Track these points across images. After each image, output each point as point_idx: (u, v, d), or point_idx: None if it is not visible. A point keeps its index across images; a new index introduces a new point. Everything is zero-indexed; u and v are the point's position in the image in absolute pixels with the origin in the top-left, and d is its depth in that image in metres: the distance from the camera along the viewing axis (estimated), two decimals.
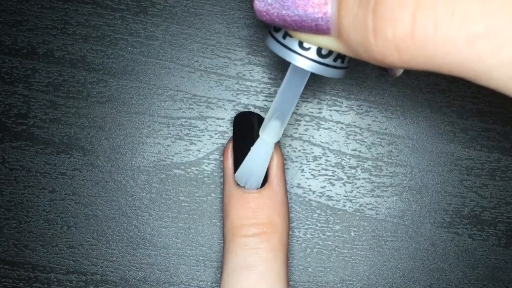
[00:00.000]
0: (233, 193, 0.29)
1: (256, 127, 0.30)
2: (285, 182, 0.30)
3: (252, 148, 0.28)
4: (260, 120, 0.30)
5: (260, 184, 0.29)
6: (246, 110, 0.33)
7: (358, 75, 0.34)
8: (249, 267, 0.28)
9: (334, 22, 0.19)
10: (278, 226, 0.29)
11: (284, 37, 0.23)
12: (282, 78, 0.33)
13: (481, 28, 0.17)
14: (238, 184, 0.29)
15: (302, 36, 0.21)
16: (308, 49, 0.23)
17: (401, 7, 0.17)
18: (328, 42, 0.20)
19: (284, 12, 0.20)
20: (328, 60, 0.23)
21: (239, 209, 0.29)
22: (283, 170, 0.30)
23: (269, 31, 0.23)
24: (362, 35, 0.18)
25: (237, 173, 0.29)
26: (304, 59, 0.23)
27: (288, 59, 0.23)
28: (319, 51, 0.22)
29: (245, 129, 0.30)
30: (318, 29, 0.20)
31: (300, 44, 0.22)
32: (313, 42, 0.21)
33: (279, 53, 0.23)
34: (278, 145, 0.30)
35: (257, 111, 0.33)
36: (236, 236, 0.29)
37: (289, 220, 0.30)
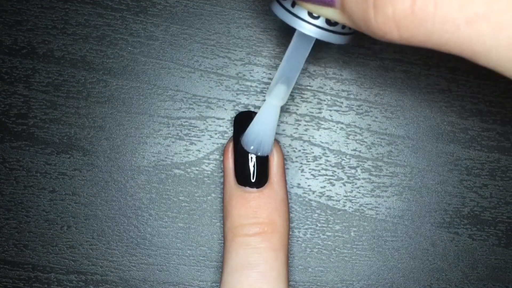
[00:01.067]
0: (233, 192, 0.29)
1: None
2: (285, 181, 0.30)
3: (258, 112, 0.27)
4: None
5: (271, 149, 0.28)
6: (246, 110, 0.33)
7: (358, 75, 0.34)
8: (250, 266, 0.28)
9: None
10: (278, 225, 0.29)
11: (292, 5, 0.23)
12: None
13: (481, 10, 0.17)
14: (238, 184, 0.29)
15: (309, 6, 0.21)
16: (317, 17, 0.23)
17: None
18: (333, 14, 0.21)
19: None
20: (337, 28, 0.23)
21: (239, 208, 0.29)
22: (284, 169, 0.30)
23: (277, 0, 0.24)
24: (363, 10, 0.19)
25: (244, 137, 0.28)
26: (312, 27, 0.23)
27: (296, 26, 0.23)
28: (328, 19, 0.23)
29: (246, 129, 0.30)
30: (324, 1, 0.20)
31: (310, 13, 0.23)
32: (319, 13, 0.21)
33: (287, 20, 0.23)
34: (279, 144, 0.30)
35: (257, 111, 0.33)
36: (237, 235, 0.29)
37: (289, 219, 0.30)
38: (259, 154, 0.28)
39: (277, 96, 0.27)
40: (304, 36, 0.24)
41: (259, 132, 0.28)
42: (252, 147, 0.28)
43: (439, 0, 0.17)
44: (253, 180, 0.29)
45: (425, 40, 0.18)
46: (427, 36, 0.18)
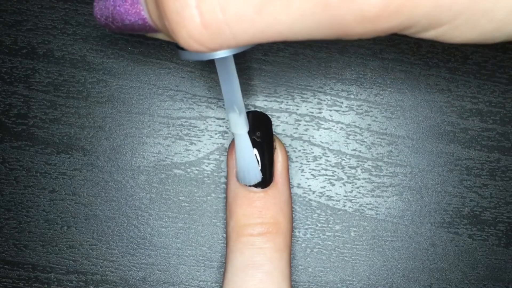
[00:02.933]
0: (238, 192, 0.29)
1: (260, 126, 0.30)
2: (289, 182, 0.30)
3: (235, 148, 0.28)
4: (264, 119, 0.30)
5: (260, 175, 0.29)
6: (247, 110, 0.33)
7: (358, 75, 0.34)
8: (255, 266, 0.28)
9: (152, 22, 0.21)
10: (283, 226, 0.29)
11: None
12: (281, 78, 0.33)
13: None
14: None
15: (159, 35, 0.22)
16: None
17: (184, 6, 0.18)
18: (167, 37, 0.21)
19: (116, 24, 0.22)
20: None
21: (244, 208, 0.29)
22: (288, 170, 0.30)
23: (176, 47, 0.24)
24: (170, 34, 0.19)
25: (238, 175, 0.29)
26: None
27: (209, 57, 0.23)
28: None
29: (251, 128, 0.30)
30: (152, 29, 0.21)
31: None
32: (160, 37, 0.22)
33: (197, 58, 0.23)
34: (283, 145, 0.30)
35: (257, 110, 0.33)
36: (241, 235, 0.29)
37: (292, 220, 0.30)
38: (252, 184, 0.29)
39: (235, 126, 0.27)
40: (221, 60, 0.25)
41: (245, 164, 0.29)
42: (247, 182, 0.29)
43: (224, 5, 0.18)
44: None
45: (236, 43, 0.19)
46: (234, 39, 0.19)
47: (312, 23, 0.18)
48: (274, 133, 0.33)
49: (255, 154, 0.29)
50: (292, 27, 0.18)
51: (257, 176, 0.29)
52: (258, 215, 0.29)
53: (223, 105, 0.33)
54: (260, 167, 0.29)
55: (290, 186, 0.30)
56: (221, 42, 0.19)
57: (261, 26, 0.18)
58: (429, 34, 0.20)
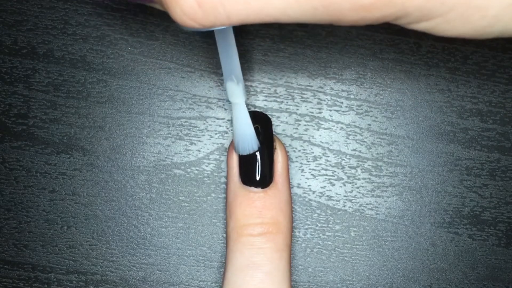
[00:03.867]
0: (238, 192, 0.29)
1: (260, 126, 0.30)
2: (289, 182, 0.30)
3: (232, 117, 0.29)
4: (264, 119, 0.30)
5: (257, 144, 0.29)
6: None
7: (358, 75, 0.34)
8: (255, 266, 0.28)
9: None
10: (283, 226, 0.29)
11: None
12: (281, 78, 0.33)
13: None
14: (242, 184, 0.29)
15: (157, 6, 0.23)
16: None
17: None
18: (163, 8, 0.22)
19: None
20: None
21: (244, 208, 0.29)
22: (288, 170, 0.30)
23: None
24: (166, 9, 0.20)
25: (235, 145, 0.29)
26: None
27: (196, 30, 0.24)
28: None
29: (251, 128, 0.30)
30: (147, 1, 0.22)
31: None
32: (158, 8, 0.23)
33: (188, 29, 0.24)
34: (283, 145, 0.30)
35: (257, 110, 0.33)
36: (241, 235, 0.29)
37: (292, 220, 0.30)
38: (247, 153, 0.29)
39: (232, 95, 0.27)
40: (220, 30, 0.25)
41: (241, 133, 0.29)
42: (240, 150, 0.29)
43: None
44: (258, 180, 0.29)
45: (229, 22, 0.19)
46: (227, 19, 0.19)
47: (307, 7, 0.19)
48: (274, 133, 0.33)
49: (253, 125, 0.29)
50: (286, 10, 0.19)
51: (254, 145, 0.29)
52: (258, 215, 0.29)
53: (223, 105, 0.33)
54: (258, 143, 0.29)
55: (290, 186, 0.30)
56: (214, 20, 0.19)
57: (255, 7, 0.19)
58: (421, 26, 0.20)
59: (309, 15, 0.19)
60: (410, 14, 0.19)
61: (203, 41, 0.33)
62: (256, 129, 0.29)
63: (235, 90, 0.27)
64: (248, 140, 0.29)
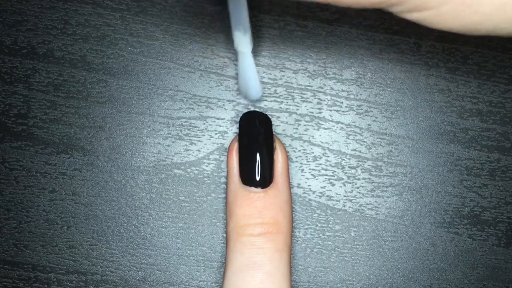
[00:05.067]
0: (238, 192, 0.29)
1: (260, 126, 0.30)
2: (289, 182, 0.30)
3: (238, 65, 0.29)
4: (264, 119, 0.30)
5: (261, 91, 0.30)
6: (246, 110, 0.33)
7: (358, 75, 0.34)
8: (255, 266, 0.28)
9: None
10: (283, 226, 0.29)
11: None
12: (281, 78, 0.33)
13: None
14: (243, 184, 0.29)
15: None
16: None
17: None
18: None
19: None
20: None
21: (244, 208, 0.29)
22: (288, 170, 0.30)
23: None
24: None
25: (239, 89, 0.30)
26: None
27: None
28: None
29: (252, 128, 0.30)
30: None
31: None
32: None
33: None
34: (283, 145, 0.30)
35: (257, 110, 0.33)
36: (241, 235, 0.29)
37: (292, 220, 0.30)
38: (251, 98, 0.30)
39: (239, 44, 0.28)
40: None
41: (247, 80, 0.29)
42: (243, 94, 0.30)
43: None
44: (258, 180, 0.29)
45: None
46: None
47: None
48: (274, 133, 0.33)
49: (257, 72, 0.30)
50: None
51: (259, 92, 0.30)
52: (258, 215, 0.29)
53: (223, 105, 0.33)
54: (262, 90, 0.30)
55: (290, 186, 0.30)
56: None
57: None
58: (413, 16, 0.20)
59: None
60: (405, 2, 0.19)
61: (203, 41, 0.33)
62: (257, 129, 0.29)
63: (242, 40, 0.28)
64: (253, 88, 0.30)
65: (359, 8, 0.20)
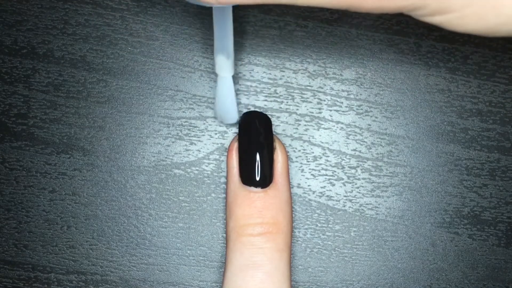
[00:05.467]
0: (238, 192, 0.29)
1: (260, 126, 0.30)
2: (289, 182, 0.30)
3: (216, 88, 0.29)
4: (264, 119, 0.30)
5: (237, 117, 0.30)
6: (246, 110, 0.33)
7: (358, 75, 0.34)
8: (255, 266, 0.28)
9: None
10: (283, 226, 0.29)
11: None
12: (281, 78, 0.33)
13: None
14: (242, 184, 0.29)
15: None
16: None
17: None
18: None
19: None
20: None
21: (244, 208, 0.29)
22: (288, 170, 0.30)
23: None
24: None
25: (214, 112, 0.30)
26: None
27: (205, 4, 0.24)
28: None
29: (252, 128, 0.30)
30: None
31: None
32: None
33: (194, 2, 0.24)
34: (283, 145, 0.30)
35: (257, 110, 0.33)
36: (241, 235, 0.29)
37: (292, 220, 0.30)
38: (227, 122, 0.31)
39: (221, 68, 0.28)
40: (219, 7, 0.26)
41: (221, 107, 0.30)
42: (220, 119, 0.31)
43: None
44: (258, 180, 0.29)
45: (248, 0, 0.20)
46: None
47: None
48: (274, 133, 0.33)
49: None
50: None
51: (235, 117, 0.30)
52: (258, 215, 0.29)
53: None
54: (238, 116, 0.30)
55: (290, 186, 0.30)
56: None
57: None
58: (435, 19, 0.20)
59: None
60: (428, 5, 0.19)
61: (202, 42, 0.33)
62: (257, 129, 0.29)
63: (224, 64, 0.28)
64: (230, 113, 0.30)
65: (381, 13, 0.20)
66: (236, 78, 0.33)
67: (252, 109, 0.33)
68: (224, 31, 0.27)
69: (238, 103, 0.33)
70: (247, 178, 0.29)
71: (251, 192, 0.29)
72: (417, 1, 0.19)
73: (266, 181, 0.29)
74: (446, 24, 0.20)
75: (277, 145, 0.30)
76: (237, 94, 0.33)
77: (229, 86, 0.29)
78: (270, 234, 0.28)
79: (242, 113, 0.31)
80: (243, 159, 0.29)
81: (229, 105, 0.30)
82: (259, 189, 0.29)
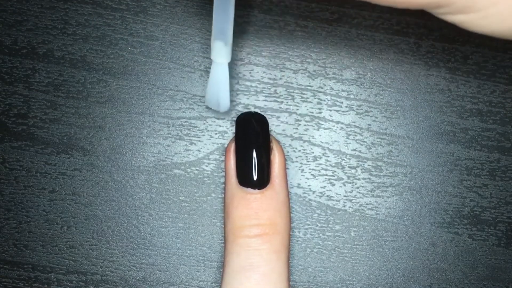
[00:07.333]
0: (235, 193, 0.29)
1: (257, 127, 0.30)
2: (287, 183, 0.30)
3: (210, 74, 0.28)
4: (261, 120, 0.30)
5: (229, 105, 0.29)
6: (246, 110, 0.33)
7: (358, 75, 0.34)
8: (252, 268, 0.28)
9: None
10: (280, 227, 0.29)
11: None
12: (281, 78, 0.33)
13: None
14: (239, 185, 0.29)
15: None
16: None
17: None
18: None
19: None
20: None
21: (241, 210, 0.29)
22: (285, 171, 0.30)
23: None
24: None
25: (206, 98, 0.29)
26: None
27: None
28: None
29: (248, 129, 0.30)
30: None
31: None
32: None
33: None
34: (280, 145, 0.30)
35: (257, 111, 0.33)
36: (238, 236, 0.29)
37: (290, 221, 0.30)
38: (220, 110, 0.29)
39: (217, 54, 0.27)
40: None
41: (217, 91, 0.29)
42: (212, 106, 0.29)
43: None
44: (255, 181, 0.29)
45: None
46: None
47: None
48: (274, 133, 0.33)
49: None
50: None
51: (227, 105, 0.29)
52: (254, 217, 0.29)
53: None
54: (229, 105, 0.29)
55: (287, 186, 0.30)
56: None
57: None
58: (457, 18, 0.19)
59: None
60: (453, 3, 0.19)
61: (202, 42, 0.33)
62: (254, 130, 0.29)
63: (221, 50, 0.27)
64: (222, 101, 0.29)
65: (403, 8, 0.19)
66: (236, 78, 0.33)
67: (252, 109, 0.33)
68: (224, 14, 0.26)
69: (238, 103, 0.33)
70: (243, 179, 0.29)
71: (248, 193, 0.29)
72: None
73: (262, 182, 0.29)
74: (467, 23, 0.20)
75: (274, 146, 0.30)
76: (237, 94, 0.33)
77: (224, 73, 0.28)
78: (266, 235, 0.28)
79: (240, 113, 0.31)
80: (240, 160, 0.29)
81: (222, 93, 0.29)
82: (256, 190, 0.29)
